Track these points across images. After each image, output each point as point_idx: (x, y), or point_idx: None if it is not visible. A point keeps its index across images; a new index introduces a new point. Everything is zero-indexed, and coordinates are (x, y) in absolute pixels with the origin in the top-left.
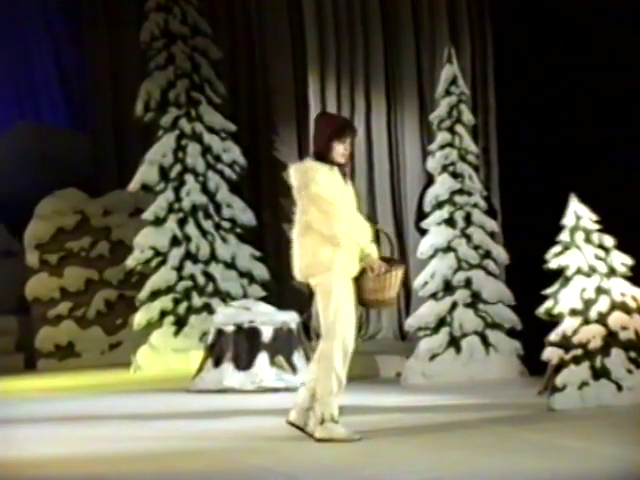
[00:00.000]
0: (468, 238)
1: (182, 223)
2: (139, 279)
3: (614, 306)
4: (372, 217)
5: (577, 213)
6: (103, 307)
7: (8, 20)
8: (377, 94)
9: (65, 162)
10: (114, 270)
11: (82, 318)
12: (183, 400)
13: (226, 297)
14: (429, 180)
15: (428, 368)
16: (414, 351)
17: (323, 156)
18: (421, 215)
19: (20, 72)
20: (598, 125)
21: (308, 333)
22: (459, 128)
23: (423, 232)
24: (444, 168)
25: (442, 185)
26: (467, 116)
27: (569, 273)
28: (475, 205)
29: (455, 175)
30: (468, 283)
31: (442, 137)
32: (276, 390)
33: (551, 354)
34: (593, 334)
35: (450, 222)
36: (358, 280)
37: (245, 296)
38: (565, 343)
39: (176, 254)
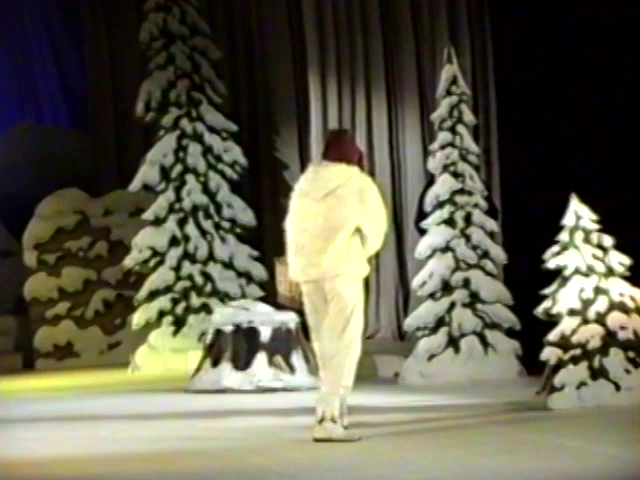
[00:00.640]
0: (467, 238)
1: (182, 223)
2: (137, 279)
3: (612, 306)
4: None
5: (577, 213)
6: (101, 307)
7: (8, 20)
8: (378, 94)
9: (65, 162)
10: (112, 270)
11: (81, 318)
12: (181, 400)
13: (224, 297)
14: (430, 180)
15: (426, 368)
16: (413, 351)
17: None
18: (421, 215)
19: (20, 72)
20: (599, 125)
21: (307, 333)
22: (460, 128)
23: (423, 232)
24: (445, 168)
25: (443, 185)
26: (468, 116)
27: (567, 273)
28: (476, 205)
29: (456, 175)
30: (466, 283)
31: (443, 137)
32: (274, 390)
33: (550, 354)
34: (592, 334)
35: (450, 222)
36: None
37: (243, 296)
38: (563, 343)
39: (174, 254)
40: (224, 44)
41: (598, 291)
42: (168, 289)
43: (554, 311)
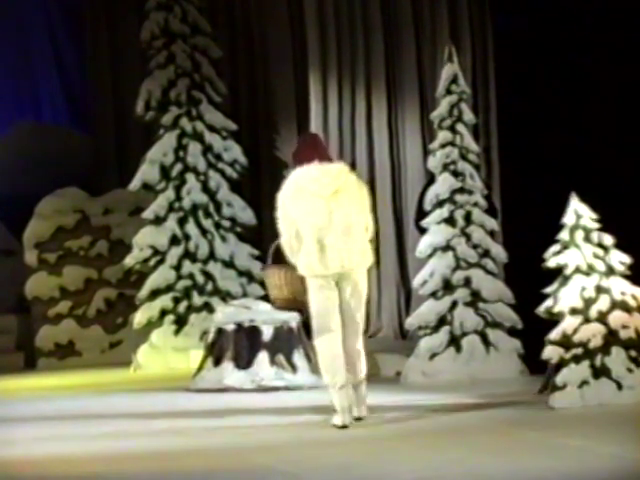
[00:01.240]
0: (467, 237)
1: (182, 222)
2: (138, 278)
3: (614, 305)
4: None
5: (577, 212)
6: (103, 306)
7: (8, 20)
8: (378, 93)
9: (65, 161)
10: (113, 269)
11: (82, 317)
12: (183, 399)
13: (226, 296)
14: (430, 179)
15: (428, 367)
16: (414, 350)
17: None
18: (421, 214)
19: (20, 71)
20: (600, 124)
21: (308, 332)
22: (460, 127)
23: (423, 231)
24: (445, 167)
25: (443, 184)
26: (468, 115)
27: (568, 272)
28: (476, 204)
29: (456, 174)
30: (467, 282)
31: (443, 136)
32: (276, 389)
33: (551, 353)
34: (593, 333)
35: (450, 221)
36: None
37: (245, 295)
38: (565, 342)
39: (174, 253)
40: (225, 43)
41: (600, 290)
42: (169, 288)
43: (556, 310)
